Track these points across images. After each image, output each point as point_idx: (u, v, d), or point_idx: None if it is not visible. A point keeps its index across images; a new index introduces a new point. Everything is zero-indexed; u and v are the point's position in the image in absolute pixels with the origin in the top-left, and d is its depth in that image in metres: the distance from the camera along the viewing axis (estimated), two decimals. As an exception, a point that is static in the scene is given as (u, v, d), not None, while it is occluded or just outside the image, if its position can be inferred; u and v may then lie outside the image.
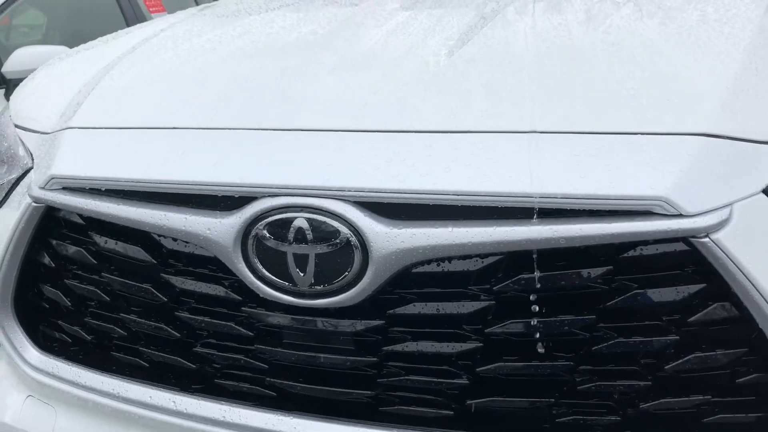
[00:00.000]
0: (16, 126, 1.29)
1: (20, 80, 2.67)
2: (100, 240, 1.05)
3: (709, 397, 0.85)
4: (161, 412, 1.07)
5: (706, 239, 0.78)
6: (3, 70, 2.79)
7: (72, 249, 1.10)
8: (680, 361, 0.83)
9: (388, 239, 0.86)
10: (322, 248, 0.88)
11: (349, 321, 0.92)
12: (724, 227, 0.78)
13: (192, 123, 1.05)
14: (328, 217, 0.88)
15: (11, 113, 1.36)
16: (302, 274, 0.89)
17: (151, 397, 1.08)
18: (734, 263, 0.78)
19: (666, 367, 0.84)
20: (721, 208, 0.78)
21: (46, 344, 1.21)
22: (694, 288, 0.82)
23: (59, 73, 1.46)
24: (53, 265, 1.13)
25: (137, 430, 1.10)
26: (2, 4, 3.09)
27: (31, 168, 1.16)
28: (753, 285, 0.78)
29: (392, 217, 0.87)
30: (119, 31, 1.77)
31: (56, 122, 1.19)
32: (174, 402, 1.06)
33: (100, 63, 1.38)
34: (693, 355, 0.83)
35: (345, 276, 0.88)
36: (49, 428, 1.18)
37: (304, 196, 0.89)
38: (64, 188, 1.05)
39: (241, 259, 0.92)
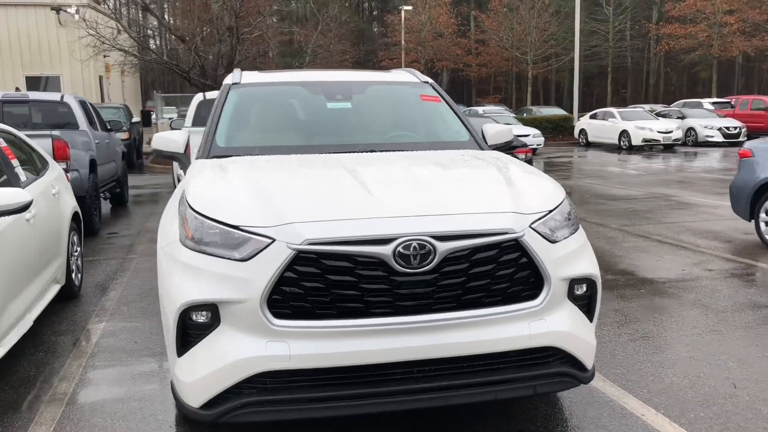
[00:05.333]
0: (239, 228, 2.84)
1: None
2: (327, 261, 2.75)
3: (521, 287, 2.98)
4: (345, 327, 2.77)
5: (522, 239, 2.92)
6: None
7: (308, 267, 2.75)
8: (517, 273, 2.95)
9: (441, 247, 2.80)
10: (421, 252, 2.78)
11: (427, 275, 2.80)
12: (524, 236, 2.93)
13: (346, 216, 2.84)
14: (423, 241, 2.78)
15: (221, 220, 2.89)
16: (415, 261, 2.77)
17: (339, 322, 2.77)
18: (527, 246, 2.93)
19: (514, 276, 2.94)
20: (522, 230, 2.94)
21: (279, 315, 2.77)
22: (516, 253, 2.95)
23: (221, 193, 3.14)
24: (295, 276, 2.75)
25: (333, 338, 2.77)
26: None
27: (271, 242, 2.77)
28: (533, 251, 2.94)
29: (441, 240, 2.82)
30: (220, 167, 3.43)
31: (272, 221, 2.82)
32: (353, 322, 2.78)
33: (245, 188, 3.08)
34: (515, 273, 2.96)
35: (428, 260, 2.78)
36: (287, 352, 2.75)
37: (415, 235, 2.78)
38: (310, 243, 2.73)
39: (392, 259, 2.75)
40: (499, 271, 2.91)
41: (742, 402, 3.67)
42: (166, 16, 24.87)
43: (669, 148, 24.49)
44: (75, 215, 6.01)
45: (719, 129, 24.89)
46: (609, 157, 21.91)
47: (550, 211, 3.12)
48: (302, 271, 2.76)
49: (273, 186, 3.17)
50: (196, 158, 4.13)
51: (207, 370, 2.80)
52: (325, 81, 4.69)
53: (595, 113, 27.20)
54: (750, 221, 7.70)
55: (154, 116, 36.02)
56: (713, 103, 29.64)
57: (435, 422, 3.47)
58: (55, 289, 5.27)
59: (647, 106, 32.31)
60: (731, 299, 5.58)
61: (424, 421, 3.47)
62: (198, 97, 9.70)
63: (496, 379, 2.93)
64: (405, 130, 4.46)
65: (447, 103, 4.65)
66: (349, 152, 3.94)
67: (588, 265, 3.17)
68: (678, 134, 24.21)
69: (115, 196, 11.45)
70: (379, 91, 4.70)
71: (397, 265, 2.76)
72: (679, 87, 62.98)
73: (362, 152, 3.95)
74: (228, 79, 4.70)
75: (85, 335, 4.92)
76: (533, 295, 2.99)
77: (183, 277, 2.90)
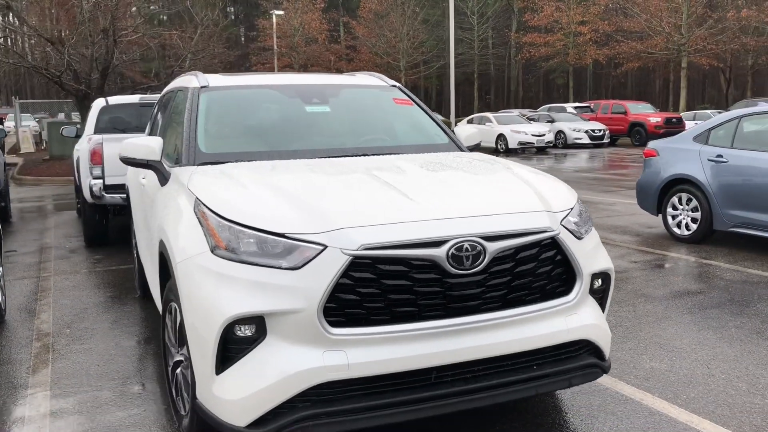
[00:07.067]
0: (284, 236, 2.72)
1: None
2: (382, 266, 2.68)
3: (555, 282, 3.06)
4: (400, 331, 2.72)
5: (558, 236, 3.00)
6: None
7: (363, 273, 2.67)
8: (554, 271, 3.03)
9: (490, 247, 2.83)
10: (473, 253, 2.78)
11: (478, 275, 2.81)
12: (560, 234, 3.01)
13: (397, 219, 2.79)
14: (475, 242, 2.79)
15: (261, 228, 2.75)
16: (468, 262, 2.77)
17: (394, 327, 2.72)
18: (562, 243, 3.01)
19: (551, 273, 3.01)
20: (558, 228, 3.02)
21: (333, 323, 2.67)
22: (553, 251, 3.02)
23: (248, 199, 2.97)
24: (351, 282, 2.66)
25: (389, 343, 2.71)
26: None
27: (323, 249, 2.67)
28: (567, 248, 3.03)
29: (489, 240, 2.84)
30: (223, 173, 3.27)
31: (320, 227, 2.72)
32: (407, 326, 2.73)
33: (272, 194, 2.99)
34: (552, 270, 3.04)
35: (479, 260, 2.80)
36: (345, 361, 2.66)
37: (466, 237, 2.78)
38: (365, 249, 2.66)
39: (446, 261, 2.74)
40: (538, 269, 2.97)
41: (721, 380, 3.96)
42: (10, 17, 22.96)
43: (542, 150, 25.91)
44: (-2, 231, 5.47)
45: (586, 132, 26.67)
46: (490, 159, 22.79)
47: (571, 209, 3.23)
48: (358, 277, 2.68)
49: (301, 191, 3.05)
50: (172, 165, 3.89)
51: (257, 386, 2.66)
52: (297, 84, 4.57)
53: (472, 118, 28.27)
54: (657, 215, 8.31)
55: (9, 123, 33.24)
56: (575, 108, 31.69)
57: (453, 422, 3.47)
58: (-11, 314, 4.77)
59: (516, 111, 33.97)
60: (666, 288, 6.01)
61: (441, 422, 3.46)
62: (99, 103, 9.09)
63: (537, 374, 2.99)
64: (386, 134, 4.44)
65: (419, 105, 4.69)
66: (341, 156, 3.88)
67: (606, 260, 3.30)
68: (550, 137, 25.66)
69: (-1, 211, 10.51)
70: (353, 95, 4.65)
71: (450, 267, 2.75)
72: (536, 92, 66.85)
73: (354, 156, 3.90)
74: (191, 82, 4.45)
75: (34, 362, 4.48)
76: (566, 291, 3.08)
77: (222, 290, 2.73)
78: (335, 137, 4.21)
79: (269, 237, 2.75)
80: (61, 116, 32.69)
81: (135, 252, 5.89)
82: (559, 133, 27.16)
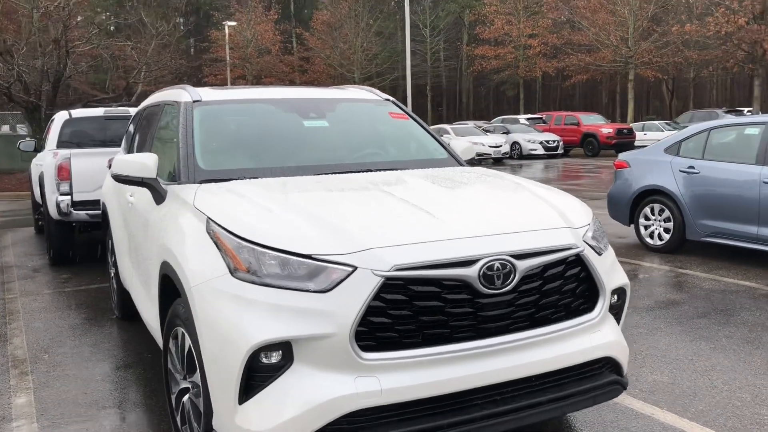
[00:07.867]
0: (311, 257, 2.61)
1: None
2: (414, 287, 2.60)
3: (578, 300, 3.02)
4: (432, 355, 2.64)
5: (582, 253, 2.97)
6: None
7: (395, 295, 2.58)
8: (579, 288, 2.99)
9: (521, 265, 2.77)
10: (503, 272, 2.72)
11: (508, 295, 2.75)
12: (584, 250, 2.98)
13: (426, 239, 2.71)
14: (505, 261, 2.73)
15: (285, 249, 2.63)
16: (499, 281, 2.71)
17: (426, 350, 2.64)
18: (587, 260, 2.99)
19: (576, 290, 2.98)
20: (582, 245, 2.98)
21: (364, 347, 2.57)
22: (577, 268, 2.99)
23: (267, 219, 2.85)
24: (382, 304, 2.57)
25: (421, 367, 2.62)
26: None
27: (353, 270, 2.57)
28: (591, 264, 3.00)
29: (519, 258, 2.78)
30: (230, 190, 3.14)
31: (347, 248, 2.62)
32: (439, 349, 2.65)
33: (291, 213, 2.85)
34: (577, 287, 3.00)
35: (510, 278, 2.74)
36: (378, 387, 2.56)
37: (497, 255, 2.72)
38: (397, 269, 2.57)
39: (478, 280, 2.67)
40: (564, 287, 2.93)
41: (724, 392, 3.99)
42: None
43: (498, 161, 26.20)
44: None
45: (541, 143, 27.10)
46: (449, 170, 22.93)
47: (589, 225, 3.21)
48: (389, 299, 2.59)
49: (319, 209, 2.95)
50: (168, 183, 3.73)
51: (285, 416, 2.53)
52: (292, 98, 4.46)
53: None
54: (629, 226, 8.44)
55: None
56: (528, 119, 32.19)
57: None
58: (-38, 341, 4.49)
59: (471, 123, 34.32)
60: (650, 298, 6.07)
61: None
62: (62, 116, 8.76)
63: (563, 394, 2.93)
64: (386, 149, 4.36)
65: (414, 120, 4.63)
66: (344, 172, 3.78)
67: (623, 276, 3.29)
68: (506, 148, 26.00)
69: (-48, 229, 10.02)
70: (349, 109, 4.56)
71: (482, 287, 2.68)
72: (487, 105, 67.71)
73: (357, 172, 3.81)
74: (181, 96, 4.30)
75: (13, 392, 4.23)
76: (589, 308, 3.04)
77: (246, 315, 2.60)
78: (335, 152, 4.11)
79: (293, 258, 2.64)
80: (6, 128, 31.61)
81: (113, 272, 5.65)
82: (515, 144, 27.54)
